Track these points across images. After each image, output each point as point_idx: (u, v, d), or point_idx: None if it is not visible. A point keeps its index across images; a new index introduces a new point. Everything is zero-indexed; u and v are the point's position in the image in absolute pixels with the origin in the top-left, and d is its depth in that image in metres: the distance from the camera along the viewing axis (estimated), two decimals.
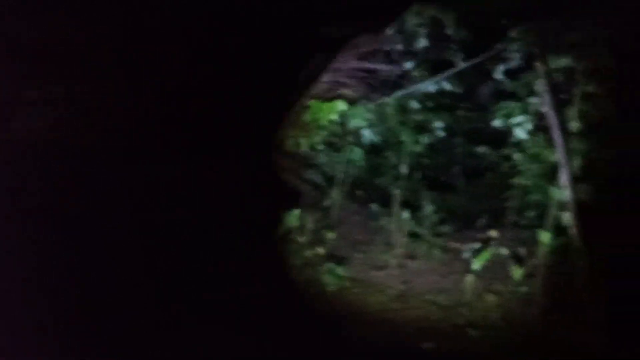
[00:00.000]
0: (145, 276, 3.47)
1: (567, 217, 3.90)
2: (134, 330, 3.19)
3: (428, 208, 5.84)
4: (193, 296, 3.68)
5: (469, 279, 4.47)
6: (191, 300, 3.63)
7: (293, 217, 5.17)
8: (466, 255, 5.24)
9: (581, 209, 3.87)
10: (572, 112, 4.33)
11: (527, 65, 4.67)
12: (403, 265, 5.30)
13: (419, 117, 5.92)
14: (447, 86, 5.58)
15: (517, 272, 4.22)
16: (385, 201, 6.04)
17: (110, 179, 3.25)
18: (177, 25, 3.25)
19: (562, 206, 4.10)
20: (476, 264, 4.32)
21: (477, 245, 5.25)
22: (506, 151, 5.21)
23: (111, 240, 3.26)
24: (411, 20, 5.77)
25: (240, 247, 4.53)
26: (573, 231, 3.80)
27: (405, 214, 5.41)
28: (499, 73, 5.16)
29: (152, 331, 3.27)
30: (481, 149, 6.09)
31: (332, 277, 4.89)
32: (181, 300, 3.59)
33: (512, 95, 4.81)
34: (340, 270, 4.95)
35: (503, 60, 5.08)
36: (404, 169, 5.90)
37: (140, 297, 3.37)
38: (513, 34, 4.59)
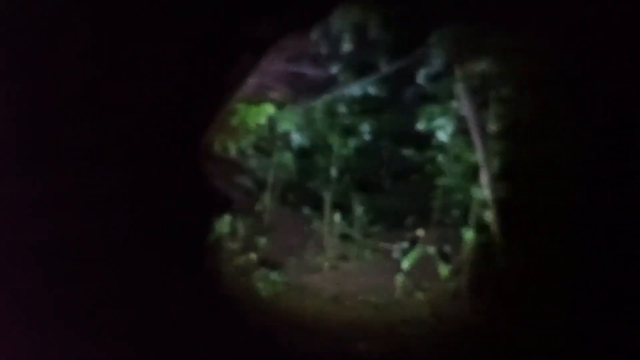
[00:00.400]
0: (70, 287, 3.24)
1: (488, 215, 4.10)
2: (58, 338, 2.98)
3: (358, 210, 5.95)
4: (122, 307, 3.49)
5: (399, 277, 4.58)
6: (120, 311, 3.44)
7: (224, 223, 5.05)
8: (396, 254, 5.40)
9: (500, 206, 4.09)
10: (490, 114, 4.58)
11: (447, 70, 4.88)
12: (336, 267, 5.35)
13: (346, 121, 6.00)
14: (372, 90, 5.70)
15: (444, 269, 4.38)
16: (316, 204, 6.08)
17: (36, 186, 3.01)
18: (97, 26, 3.07)
19: (483, 204, 4.31)
20: (405, 263, 4.44)
21: (405, 244, 5.42)
22: (430, 153, 5.41)
23: (35, 247, 3.02)
24: (336, 24, 5.84)
25: (170, 255, 4.36)
26: (494, 228, 4.01)
27: (337, 216, 5.46)
28: (421, 77, 5.34)
29: (79, 342, 3.07)
30: (407, 151, 6.32)
31: (266, 283, 4.83)
32: (109, 311, 3.39)
33: (434, 99, 5.00)
34: (274, 276, 4.91)
35: (425, 64, 5.27)
36: (333, 172, 5.96)
37: (64, 307, 3.15)
38: (433, 39, 4.77)
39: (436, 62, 5.19)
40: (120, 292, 3.60)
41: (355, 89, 5.76)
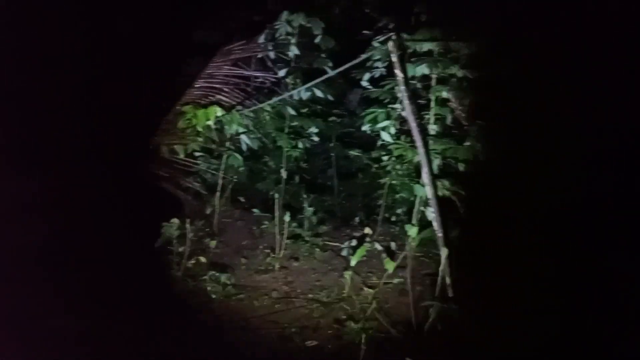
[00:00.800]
0: (14, 294, 3.18)
1: (429, 212, 4.30)
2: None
3: (308, 210, 6.06)
4: (68, 314, 3.45)
5: (348, 275, 4.71)
6: (66, 318, 3.39)
7: (172, 227, 5.03)
8: (345, 252, 5.54)
9: (440, 203, 4.31)
10: (430, 116, 4.80)
11: (389, 73, 5.07)
12: (286, 266, 5.43)
13: (294, 123, 6.10)
14: (319, 93, 5.82)
15: (390, 265, 4.55)
16: (267, 205, 6.15)
17: None
18: (43, 32, 3.03)
19: (425, 202, 4.51)
20: (353, 261, 4.58)
21: (354, 242, 5.57)
22: (375, 154, 5.59)
23: None
24: (282, 29, 5.93)
25: (117, 259, 4.32)
26: (434, 224, 4.21)
27: (287, 217, 5.54)
28: (365, 81, 5.52)
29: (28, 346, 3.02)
30: (353, 152, 6.51)
31: (216, 285, 4.85)
32: (57, 319, 3.35)
33: (378, 102, 5.18)
34: (224, 278, 4.93)
35: (368, 68, 5.45)
36: (283, 174, 6.03)
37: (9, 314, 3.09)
38: (375, 43, 4.96)
39: (379, 67, 5.38)
40: (68, 296, 3.56)
41: (302, 93, 5.85)
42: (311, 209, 6.07)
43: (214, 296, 4.74)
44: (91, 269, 3.67)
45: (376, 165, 5.82)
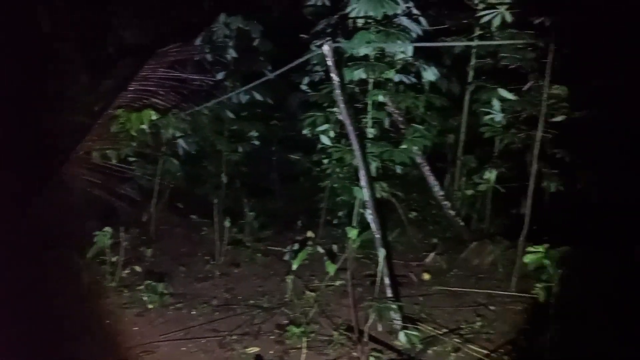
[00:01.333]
0: None
1: (367, 213, 4.35)
2: None
3: (249, 215, 5.98)
4: None
5: (289, 279, 4.68)
6: None
7: (105, 235, 4.81)
8: (287, 257, 5.51)
9: (378, 205, 4.37)
10: (368, 119, 4.87)
11: (327, 77, 5.10)
12: (227, 273, 5.33)
13: (234, 127, 6.00)
14: (258, 96, 5.78)
15: (331, 268, 4.56)
16: (206, 211, 6.01)
17: None
18: None
19: (364, 204, 4.56)
20: (295, 265, 4.56)
21: (296, 246, 5.55)
22: (316, 157, 5.60)
23: None
24: (219, 31, 5.85)
25: (42, 272, 4.08)
26: (372, 225, 4.26)
27: (227, 222, 5.44)
28: (304, 85, 5.53)
29: None
30: (294, 156, 6.50)
31: (153, 295, 4.67)
32: None
33: (317, 105, 5.20)
34: (161, 287, 4.75)
35: (308, 72, 5.47)
36: (223, 178, 5.93)
37: None
38: (313, 47, 4.98)
39: (318, 70, 5.42)
40: None
41: (242, 95, 5.79)
42: (252, 213, 6.00)
43: (150, 306, 4.56)
44: (10, 286, 3.42)
45: (317, 169, 5.84)
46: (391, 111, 5.22)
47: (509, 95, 5.06)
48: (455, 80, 5.95)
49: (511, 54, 5.02)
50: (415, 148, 5.04)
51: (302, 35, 5.33)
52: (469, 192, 5.65)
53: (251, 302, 4.76)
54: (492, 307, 4.58)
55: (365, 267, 5.16)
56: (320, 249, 5.30)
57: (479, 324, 4.30)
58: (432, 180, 5.64)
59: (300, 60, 4.37)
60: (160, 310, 4.56)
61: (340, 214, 5.84)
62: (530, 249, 3.71)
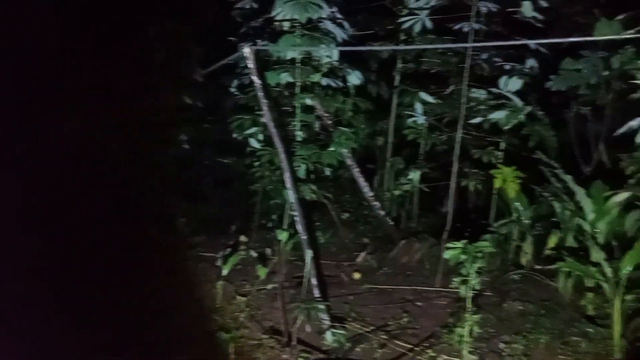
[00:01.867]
0: None
1: (294, 215, 4.38)
2: None
3: (180, 220, 5.87)
4: None
5: (219, 285, 4.64)
6: None
7: None
8: (218, 262, 5.43)
9: (307, 207, 4.41)
10: (296, 122, 4.91)
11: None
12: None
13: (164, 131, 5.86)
14: (187, 100, 5.69)
15: (262, 272, 4.56)
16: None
17: None
18: None
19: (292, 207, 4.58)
20: (225, 270, 4.52)
21: (228, 251, 5.49)
22: (247, 160, 5.57)
23: None
24: (151, 34, 5.71)
25: None
26: (298, 227, 4.30)
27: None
28: (233, 87, 5.50)
29: None
30: (227, 159, 6.42)
31: None
32: None
33: (246, 108, 5.18)
34: None
35: (237, 75, 5.44)
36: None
37: None
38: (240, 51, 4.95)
39: (247, 74, 5.39)
40: None
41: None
42: (184, 219, 5.88)
43: None
44: None
45: (249, 172, 5.80)
46: (320, 114, 5.28)
47: (430, 99, 5.28)
48: (384, 84, 6.14)
49: (432, 58, 5.22)
50: (343, 150, 5.12)
51: (230, 38, 5.30)
52: (397, 192, 5.81)
53: (180, 310, 4.66)
54: (418, 303, 4.74)
55: (298, 269, 5.19)
56: (253, 253, 5.28)
57: (405, 319, 4.44)
58: (362, 181, 5.76)
59: (222, 62, 4.36)
60: None
61: (273, 216, 5.84)
62: (449, 245, 3.86)
